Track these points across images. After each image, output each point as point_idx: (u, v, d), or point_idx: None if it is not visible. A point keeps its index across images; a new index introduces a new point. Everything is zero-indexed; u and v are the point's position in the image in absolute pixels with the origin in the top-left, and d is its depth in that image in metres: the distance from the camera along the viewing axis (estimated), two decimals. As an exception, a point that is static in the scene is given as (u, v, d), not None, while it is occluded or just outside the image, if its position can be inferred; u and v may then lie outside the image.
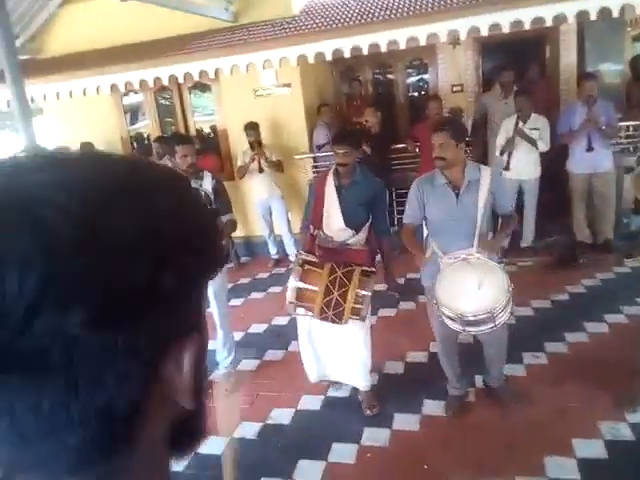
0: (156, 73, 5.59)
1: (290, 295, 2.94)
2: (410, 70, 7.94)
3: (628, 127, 5.42)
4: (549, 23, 4.63)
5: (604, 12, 4.46)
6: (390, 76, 8.00)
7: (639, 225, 5.80)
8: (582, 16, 4.54)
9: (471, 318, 2.64)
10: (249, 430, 3.18)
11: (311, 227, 3.20)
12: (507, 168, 5.14)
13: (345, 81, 7.88)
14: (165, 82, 5.70)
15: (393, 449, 2.93)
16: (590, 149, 4.98)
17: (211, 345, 3.70)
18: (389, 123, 7.12)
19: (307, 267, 2.96)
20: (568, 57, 6.61)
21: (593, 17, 4.53)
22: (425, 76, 7.75)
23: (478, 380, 3.36)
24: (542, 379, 3.36)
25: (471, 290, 2.64)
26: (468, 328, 2.71)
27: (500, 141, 5.23)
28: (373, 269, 3.02)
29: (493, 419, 3.04)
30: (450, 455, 2.80)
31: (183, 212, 0.41)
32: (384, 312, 4.65)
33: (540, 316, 4.14)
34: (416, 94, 7.96)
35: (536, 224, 5.54)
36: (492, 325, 2.64)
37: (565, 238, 5.58)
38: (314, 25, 5.50)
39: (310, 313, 3.01)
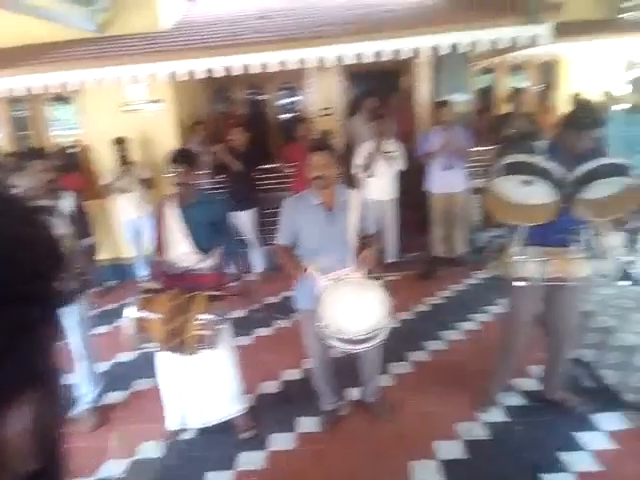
0: (9, 83, 5.13)
1: (130, 327, 2.73)
2: (282, 92, 8.15)
3: (476, 152, 6.05)
4: (407, 55, 5.06)
5: (454, 47, 4.98)
6: (262, 97, 8.14)
7: (485, 241, 6.48)
8: (434, 50, 5.03)
9: (360, 337, 2.73)
10: (116, 468, 2.99)
11: (158, 253, 3.06)
12: (366, 189, 5.49)
13: (219, 100, 7.85)
14: (21, 92, 5.24)
15: (270, 470, 2.92)
16: (450, 167, 5.46)
17: (73, 379, 3.43)
18: (261, 143, 7.23)
19: (148, 295, 2.81)
20: (422, 88, 7.24)
21: (444, 51, 5.04)
22: (295, 99, 8.00)
23: (350, 393, 3.49)
24: (406, 387, 3.58)
25: (355, 310, 2.73)
26: (356, 347, 2.77)
27: (359, 162, 5.54)
28: (222, 292, 2.95)
29: (364, 430, 3.17)
30: (324, 469, 2.87)
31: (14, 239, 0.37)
32: (260, 332, 4.66)
33: (405, 327, 4.42)
34: (288, 116, 8.17)
35: (400, 241, 5.95)
36: (377, 340, 2.76)
37: (425, 254, 6.05)
38: (186, 42, 5.42)
39: (154, 344, 2.82)
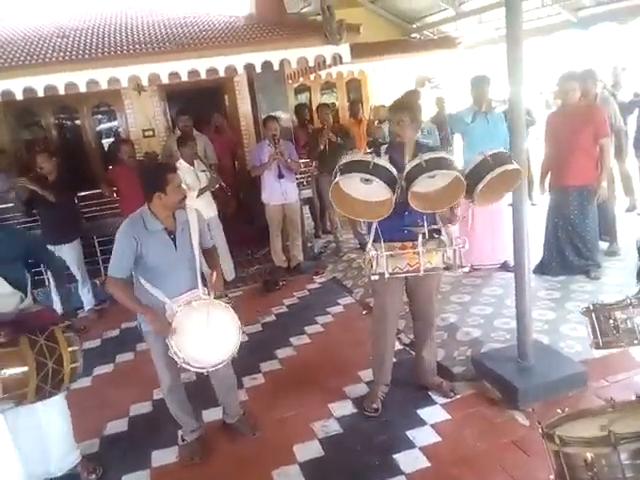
0: None
1: None
2: (100, 116, 7.68)
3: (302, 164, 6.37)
4: (222, 73, 5.15)
5: (266, 65, 5.20)
6: (77, 121, 7.58)
7: (320, 247, 6.85)
8: (249, 67, 5.19)
9: (217, 360, 2.73)
10: None
11: None
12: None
13: (23, 125, 7.10)
14: None
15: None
16: (281, 176, 5.62)
17: None
18: (77, 169, 6.73)
19: (0, 351, 2.42)
20: (244, 105, 7.44)
21: (258, 69, 5.23)
22: (115, 122, 7.60)
23: (206, 415, 3.41)
24: (262, 398, 3.60)
25: (208, 333, 2.70)
26: (210, 368, 2.78)
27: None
28: (69, 322, 2.70)
29: (226, 449, 3.11)
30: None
31: None
32: (99, 370, 4.31)
33: (254, 340, 4.44)
34: (110, 140, 7.73)
35: (240, 255, 5.97)
36: (230, 357, 2.80)
37: (266, 266, 6.18)
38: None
39: (13, 404, 2.46)
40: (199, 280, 2.86)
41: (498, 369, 3.27)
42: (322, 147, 6.12)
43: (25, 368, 2.39)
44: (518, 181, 2.95)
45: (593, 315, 2.44)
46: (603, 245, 5.12)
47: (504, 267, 4.94)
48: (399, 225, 2.90)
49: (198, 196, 5.30)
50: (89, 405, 3.71)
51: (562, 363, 3.29)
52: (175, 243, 2.80)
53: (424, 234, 2.89)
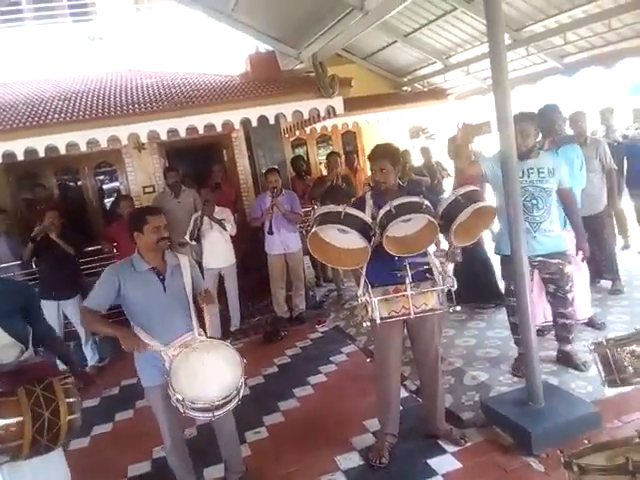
0: None
1: None
2: (102, 176, 7.85)
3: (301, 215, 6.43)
4: (219, 129, 5.29)
5: (262, 119, 5.34)
6: (79, 182, 7.74)
7: (322, 295, 6.81)
8: (245, 122, 5.34)
9: (221, 402, 2.64)
10: None
11: None
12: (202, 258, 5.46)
13: (25, 187, 7.21)
14: None
15: None
16: (271, 232, 5.65)
17: None
18: (80, 227, 6.80)
19: None
20: (242, 160, 7.63)
21: (255, 124, 5.38)
22: (117, 183, 7.76)
23: (208, 473, 3.27)
24: (265, 452, 3.48)
25: (210, 374, 2.65)
26: (217, 412, 2.68)
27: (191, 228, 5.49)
28: (68, 374, 2.63)
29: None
30: None
31: None
32: (98, 429, 4.18)
33: (256, 392, 4.33)
34: (112, 199, 7.86)
35: (242, 306, 5.94)
36: (237, 400, 2.71)
37: (268, 317, 6.12)
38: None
39: (8, 457, 2.35)
40: (194, 322, 2.83)
41: (509, 414, 3.16)
42: (329, 184, 6.29)
43: (20, 418, 2.31)
44: (493, 218, 2.99)
45: (608, 351, 2.28)
46: (606, 284, 5.08)
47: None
48: (389, 269, 2.92)
49: (191, 239, 5.42)
50: (87, 466, 3.57)
51: (574, 404, 3.19)
52: (164, 284, 2.80)
53: (409, 277, 2.88)
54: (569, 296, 3.65)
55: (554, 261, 3.55)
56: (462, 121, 3.60)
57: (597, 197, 4.92)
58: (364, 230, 2.73)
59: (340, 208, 2.74)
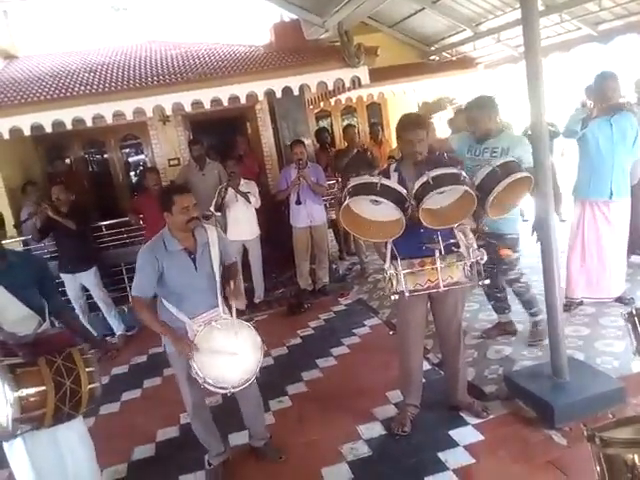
0: None
1: (12, 412, 2.29)
2: (127, 149, 7.92)
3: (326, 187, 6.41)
4: (243, 101, 5.25)
5: (286, 90, 5.28)
6: (105, 155, 7.83)
7: (345, 268, 6.82)
8: (269, 94, 5.28)
9: (237, 380, 2.70)
10: None
11: None
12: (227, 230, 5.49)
13: (54, 158, 7.34)
14: None
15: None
16: (299, 202, 5.65)
17: None
18: (106, 201, 6.93)
19: (18, 370, 2.41)
20: (266, 132, 7.58)
21: (279, 95, 5.32)
22: (142, 156, 7.82)
23: (233, 439, 3.36)
24: (289, 421, 3.54)
25: (228, 352, 2.69)
26: (233, 390, 2.74)
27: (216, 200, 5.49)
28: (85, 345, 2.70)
29: (253, 472, 3.06)
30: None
31: None
32: (127, 395, 4.32)
33: (280, 363, 4.41)
34: (138, 171, 7.95)
35: (265, 279, 6.00)
36: (253, 377, 2.77)
37: (291, 289, 6.17)
38: (6, 99, 5.02)
39: (31, 426, 2.44)
40: (220, 299, 2.86)
41: (532, 387, 3.14)
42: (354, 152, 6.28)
43: (43, 387, 2.39)
44: (529, 188, 2.92)
45: (637, 320, 2.23)
46: (637, 260, 4.96)
47: (619, 301, 4.27)
48: (416, 242, 2.88)
49: (216, 210, 5.45)
50: (117, 431, 3.72)
51: (599, 379, 3.15)
52: (195, 264, 2.82)
53: (440, 250, 2.86)
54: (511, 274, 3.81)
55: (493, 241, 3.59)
56: (421, 100, 3.66)
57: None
58: (399, 201, 2.68)
59: (375, 179, 2.69)
